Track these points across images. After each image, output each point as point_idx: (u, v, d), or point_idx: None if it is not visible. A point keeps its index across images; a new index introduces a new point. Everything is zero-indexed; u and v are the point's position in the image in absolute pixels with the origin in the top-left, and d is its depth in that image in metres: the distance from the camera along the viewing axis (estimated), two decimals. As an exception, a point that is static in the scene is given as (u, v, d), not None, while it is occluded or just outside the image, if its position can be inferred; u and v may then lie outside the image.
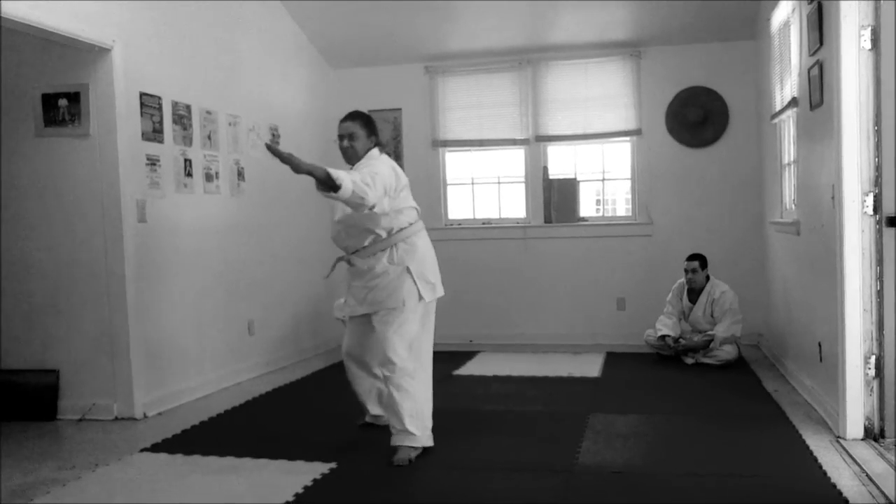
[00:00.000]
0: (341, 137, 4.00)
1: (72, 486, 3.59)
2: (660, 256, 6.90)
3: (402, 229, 3.92)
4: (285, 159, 3.43)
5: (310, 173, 3.47)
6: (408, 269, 3.89)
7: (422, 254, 3.99)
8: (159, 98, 5.10)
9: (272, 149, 3.44)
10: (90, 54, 4.67)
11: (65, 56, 4.70)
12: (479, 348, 6.99)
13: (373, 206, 3.69)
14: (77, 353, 4.88)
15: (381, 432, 4.15)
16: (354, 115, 4.06)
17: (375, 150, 4.01)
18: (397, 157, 7.38)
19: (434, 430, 3.96)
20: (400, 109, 7.38)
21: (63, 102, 4.75)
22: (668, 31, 6.69)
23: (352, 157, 3.98)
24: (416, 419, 3.85)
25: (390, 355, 3.85)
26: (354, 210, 3.75)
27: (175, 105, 5.25)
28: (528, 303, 7.22)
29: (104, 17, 4.63)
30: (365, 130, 4.00)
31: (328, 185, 3.49)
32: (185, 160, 5.33)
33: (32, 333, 4.94)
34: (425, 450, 3.90)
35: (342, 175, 3.50)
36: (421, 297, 3.90)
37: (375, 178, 3.67)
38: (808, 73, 4.51)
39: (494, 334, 7.21)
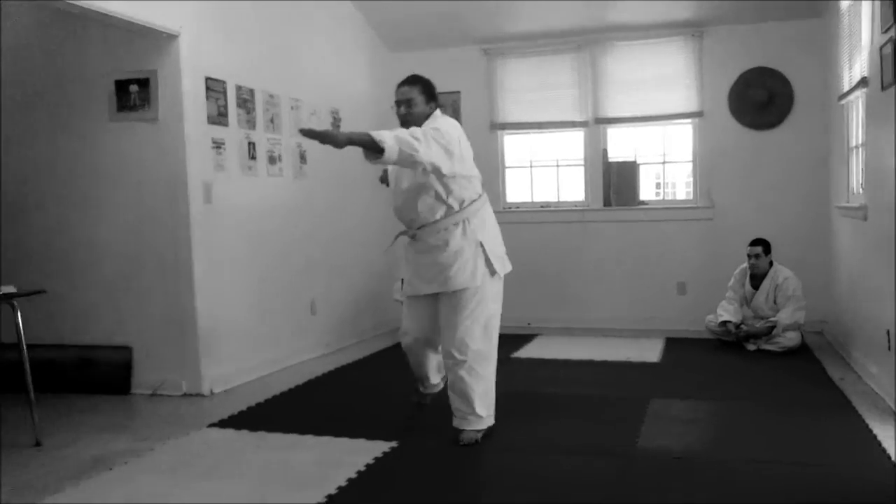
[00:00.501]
0: (398, 104, 3.78)
1: (146, 456, 3.73)
2: (721, 241, 6.81)
3: (473, 201, 3.78)
4: (323, 138, 3.33)
5: (352, 143, 3.37)
6: (481, 244, 3.76)
7: (491, 227, 3.89)
8: (224, 82, 5.20)
9: (307, 132, 3.33)
10: (159, 41, 4.79)
11: (135, 43, 4.83)
12: (538, 331, 7.00)
13: (436, 167, 3.53)
14: (148, 330, 5.04)
15: (440, 412, 4.18)
16: (413, 80, 3.82)
17: (438, 112, 3.82)
18: (456, 139, 7.38)
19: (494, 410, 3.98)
20: (458, 92, 7.39)
21: (134, 88, 4.89)
22: (731, 11, 6.55)
23: (409, 125, 3.70)
24: (485, 401, 3.82)
25: (467, 340, 3.73)
26: (411, 168, 3.59)
27: (239, 89, 5.35)
28: (586, 286, 7.19)
29: (172, 5, 4.74)
30: (424, 96, 3.78)
31: (375, 149, 3.36)
32: (249, 143, 5.44)
33: (107, 311, 5.12)
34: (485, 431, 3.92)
35: (385, 135, 3.36)
36: (494, 273, 3.79)
37: (429, 133, 3.51)
38: (880, 51, 4.39)
39: (553, 318, 7.21)
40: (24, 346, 3.93)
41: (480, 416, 3.81)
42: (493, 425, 3.94)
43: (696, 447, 3.74)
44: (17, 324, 3.90)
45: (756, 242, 6.06)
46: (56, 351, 5.11)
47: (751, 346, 5.94)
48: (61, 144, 5.15)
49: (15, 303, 3.89)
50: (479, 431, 3.82)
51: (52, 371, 5.04)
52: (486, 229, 3.84)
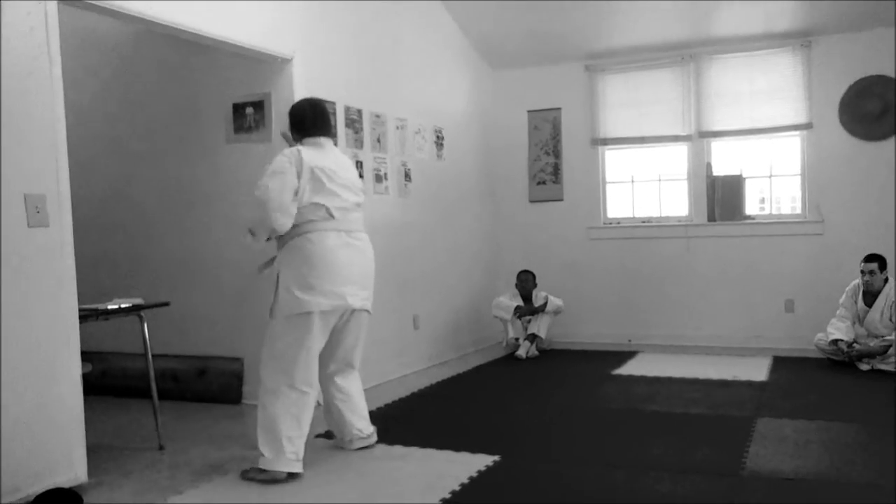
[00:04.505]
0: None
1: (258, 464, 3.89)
2: (831, 256, 6.58)
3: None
4: None
5: None
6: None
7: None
8: (333, 103, 5.38)
9: None
10: (273, 65, 5.02)
11: (251, 68, 5.07)
12: (639, 349, 6.93)
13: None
14: (259, 342, 5.23)
15: (543, 428, 4.19)
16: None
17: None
18: (556, 155, 7.43)
19: (595, 428, 3.97)
20: (559, 109, 7.42)
21: (249, 111, 5.14)
22: (841, 18, 6.35)
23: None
24: (266, 438, 3.69)
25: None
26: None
27: (347, 110, 5.54)
28: (689, 303, 7.07)
29: (285, 31, 4.96)
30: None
31: None
32: (357, 162, 5.60)
33: (221, 323, 5.37)
34: (588, 448, 3.91)
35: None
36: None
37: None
38: None
39: (654, 335, 7.12)
40: (150, 356, 4.18)
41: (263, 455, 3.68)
42: (593, 444, 3.93)
43: (807, 469, 3.63)
44: (144, 334, 4.15)
45: (871, 258, 5.85)
46: (175, 361, 5.39)
47: (864, 366, 5.72)
48: (184, 165, 5.46)
49: (142, 314, 4.14)
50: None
51: (171, 379, 5.32)
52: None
